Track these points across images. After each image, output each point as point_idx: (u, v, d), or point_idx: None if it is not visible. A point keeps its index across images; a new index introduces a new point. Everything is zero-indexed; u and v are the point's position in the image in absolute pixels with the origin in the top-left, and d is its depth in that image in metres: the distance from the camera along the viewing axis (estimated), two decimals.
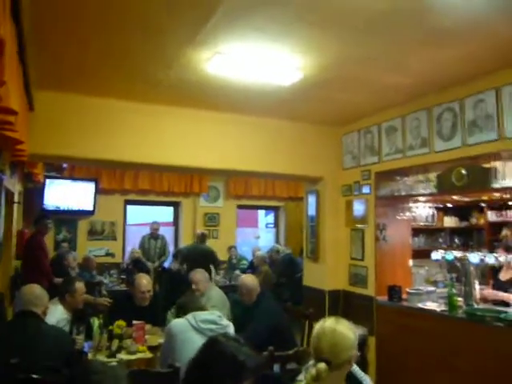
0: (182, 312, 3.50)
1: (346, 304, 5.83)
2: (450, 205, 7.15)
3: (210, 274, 7.48)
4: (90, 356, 3.61)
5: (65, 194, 8.88)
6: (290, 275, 7.92)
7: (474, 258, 4.58)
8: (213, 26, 3.21)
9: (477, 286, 4.62)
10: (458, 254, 4.83)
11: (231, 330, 3.32)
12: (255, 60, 3.86)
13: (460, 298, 4.53)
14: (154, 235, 9.02)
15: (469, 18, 3.13)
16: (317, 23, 3.22)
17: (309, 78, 4.24)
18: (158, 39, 3.50)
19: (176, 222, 10.63)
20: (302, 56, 3.80)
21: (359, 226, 5.71)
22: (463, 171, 4.46)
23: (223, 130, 5.45)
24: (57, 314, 3.84)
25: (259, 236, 12.07)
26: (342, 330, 2.17)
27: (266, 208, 11.98)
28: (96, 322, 3.94)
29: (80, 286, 4.17)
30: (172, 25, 3.26)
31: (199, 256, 7.75)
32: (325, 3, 2.94)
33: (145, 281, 4.54)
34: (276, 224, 11.88)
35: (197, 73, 4.14)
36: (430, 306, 4.72)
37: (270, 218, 12.29)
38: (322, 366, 2.04)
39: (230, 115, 5.46)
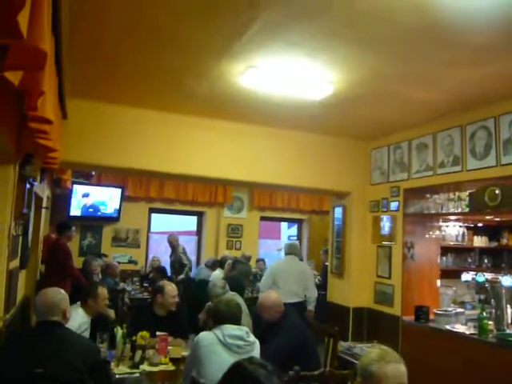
0: (213, 320, 3.41)
1: (370, 322, 5.73)
2: (479, 224, 6.98)
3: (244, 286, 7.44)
4: (112, 365, 3.59)
5: (91, 200, 8.99)
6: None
7: (507, 280, 4.45)
8: (248, 39, 3.21)
9: (509, 310, 4.48)
10: (489, 276, 4.70)
11: (257, 346, 3.26)
12: (288, 74, 3.85)
13: (490, 322, 4.40)
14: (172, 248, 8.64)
15: (503, 36, 3.06)
16: (352, 39, 3.20)
17: (340, 92, 4.20)
18: (191, 52, 3.51)
19: (199, 232, 10.62)
20: (335, 71, 3.78)
21: (386, 243, 5.61)
22: (497, 191, 4.35)
23: (251, 142, 5.44)
24: (78, 318, 3.82)
25: (282, 248, 11.96)
26: None
27: (290, 220, 11.89)
28: (119, 332, 3.91)
29: (103, 291, 4.20)
30: (206, 38, 3.27)
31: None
32: (361, 20, 2.92)
33: (170, 287, 4.56)
34: (299, 237, 11.78)
35: (229, 85, 4.14)
36: (459, 328, 4.59)
37: (293, 230, 12.19)
38: None
39: (258, 128, 5.45)
